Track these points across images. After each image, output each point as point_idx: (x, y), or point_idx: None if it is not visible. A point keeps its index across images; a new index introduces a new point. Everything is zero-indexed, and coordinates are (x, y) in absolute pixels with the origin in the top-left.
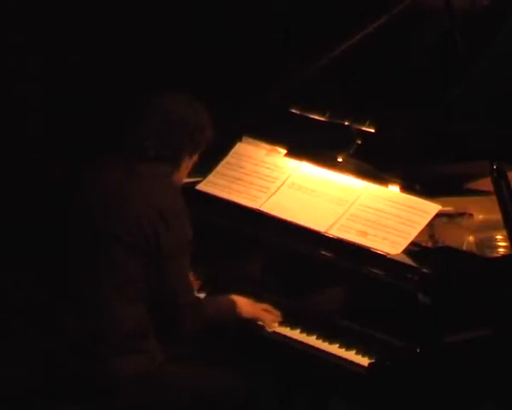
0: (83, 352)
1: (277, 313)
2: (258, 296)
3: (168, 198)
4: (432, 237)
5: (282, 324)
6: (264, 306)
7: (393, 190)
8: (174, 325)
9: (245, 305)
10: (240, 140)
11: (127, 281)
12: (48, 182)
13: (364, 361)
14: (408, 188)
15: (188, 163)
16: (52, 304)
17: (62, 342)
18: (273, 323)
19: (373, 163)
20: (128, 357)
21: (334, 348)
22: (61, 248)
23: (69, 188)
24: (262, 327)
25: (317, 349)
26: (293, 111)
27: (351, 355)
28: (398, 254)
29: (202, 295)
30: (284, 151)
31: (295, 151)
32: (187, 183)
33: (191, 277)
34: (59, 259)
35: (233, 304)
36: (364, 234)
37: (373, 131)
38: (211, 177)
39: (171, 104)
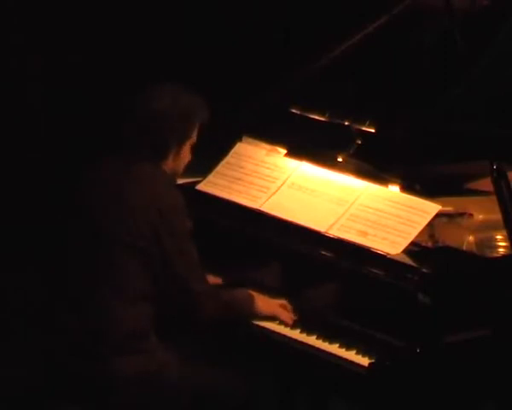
0: (83, 352)
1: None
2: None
3: (166, 197)
4: (432, 237)
5: (281, 323)
6: (281, 302)
7: (393, 190)
8: (193, 315)
9: (262, 300)
10: (240, 140)
11: (127, 281)
12: (48, 182)
13: (364, 361)
14: (408, 188)
15: (178, 152)
16: (52, 304)
17: (62, 342)
18: (289, 320)
19: (373, 163)
20: (128, 357)
21: (334, 348)
22: (61, 248)
23: (69, 188)
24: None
25: (317, 349)
26: (293, 111)
27: (351, 355)
28: (398, 254)
29: None
30: (284, 151)
31: (295, 151)
32: (187, 183)
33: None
34: (59, 259)
35: (250, 296)
36: (364, 234)
37: (373, 131)
38: (211, 177)
39: (147, 99)
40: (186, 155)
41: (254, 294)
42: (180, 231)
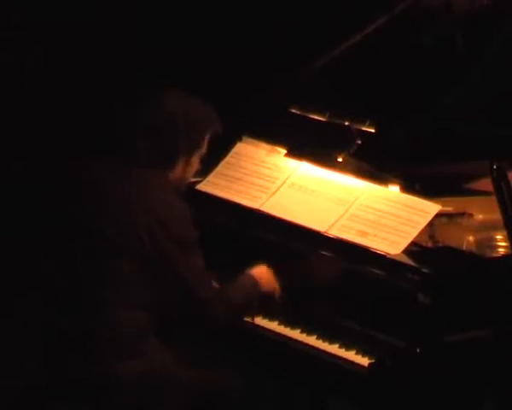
0: (83, 353)
1: None
2: None
3: (166, 205)
4: (432, 237)
5: (281, 323)
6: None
7: (393, 190)
8: (204, 323)
9: (263, 274)
10: (240, 140)
11: (126, 286)
12: (47, 182)
13: (364, 361)
14: (408, 188)
15: (186, 162)
16: (52, 304)
17: (62, 342)
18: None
19: (373, 163)
20: (128, 360)
21: (334, 348)
22: (61, 250)
23: (69, 188)
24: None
25: (317, 349)
26: (293, 111)
27: (351, 355)
28: (398, 254)
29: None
30: (284, 151)
31: (295, 151)
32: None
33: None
34: (59, 261)
35: (254, 279)
36: (364, 234)
37: (373, 131)
38: (211, 177)
39: (159, 104)
40: (194, 165)
41: (254, 271)
42: (183, 238)
